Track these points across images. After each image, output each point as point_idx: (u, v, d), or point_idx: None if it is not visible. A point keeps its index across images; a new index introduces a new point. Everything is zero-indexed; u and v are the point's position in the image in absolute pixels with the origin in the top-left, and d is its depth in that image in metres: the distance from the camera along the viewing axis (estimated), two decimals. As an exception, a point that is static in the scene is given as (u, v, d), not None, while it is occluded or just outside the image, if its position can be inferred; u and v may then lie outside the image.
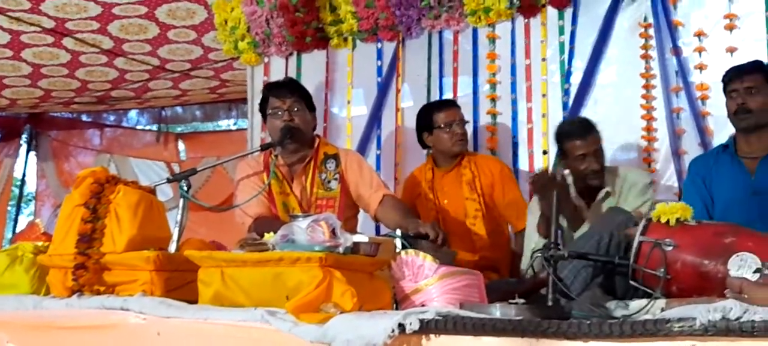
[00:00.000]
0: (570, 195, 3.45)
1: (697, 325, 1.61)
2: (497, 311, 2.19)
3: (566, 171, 3.36)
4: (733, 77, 3.34)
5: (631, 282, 2.62)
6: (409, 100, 4.82)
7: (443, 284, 2.45)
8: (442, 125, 3.99)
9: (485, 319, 1.93)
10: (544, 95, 4.41)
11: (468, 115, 4.52)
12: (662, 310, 2.32)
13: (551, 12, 4.46)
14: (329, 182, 3.64)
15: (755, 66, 3.36)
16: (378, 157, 4.77)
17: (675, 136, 4.08)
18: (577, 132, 3.56)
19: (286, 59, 5.13)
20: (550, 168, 4.16)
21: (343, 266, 2.27)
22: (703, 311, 1.62)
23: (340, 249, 2.33)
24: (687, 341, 1.66)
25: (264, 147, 3.72)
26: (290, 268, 2.27)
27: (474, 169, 3.98)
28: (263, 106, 3.76)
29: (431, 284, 2.44)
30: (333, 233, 2.36)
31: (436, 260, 2.51)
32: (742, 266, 2.45)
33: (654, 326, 1.68)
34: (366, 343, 1.93)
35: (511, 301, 2.32)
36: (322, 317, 2.10)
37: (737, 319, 1.58)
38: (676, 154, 4.05)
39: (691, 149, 4.02)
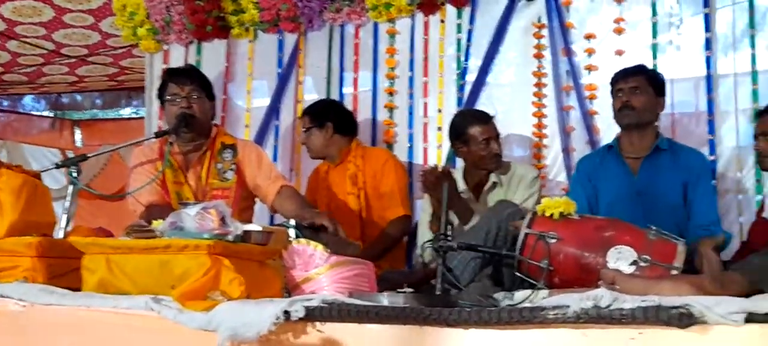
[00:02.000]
0: (458, 190, 3.53)
1: (570, 312, 1.67)
2: (385, 299, 2.22)
3: (456, 167, 3.43)
4: (619, 78, 3.51)
5: (517, 273, 2.70)
6: (311, 93, 4.82)
7: (333, 273, 2.46)
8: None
9: (369, 306, 1.95)
10: (440, 91, 4.50)
11: (367, 109, 4.58)
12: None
13: (450, 10, 4.55)
14: (225, 172, 3.60)
15: (639, 69, 3.54)
16: (276, 149, 4.76)
17: (564, 133, 4.23)
18: (480, 117, 3.70)
19: (186, 47, 5.06)
20: (444, 162, 4.26)
21: (232, 254, 2.26)
22: (576, 300, 1.69)
23: (230, 237, 2.32)
24: (561, 328, 1.72)
25: (158, 134, 3.65)
26: (178, 255, 2.24)
27: (359, 163, 4.00)
28: (162, 92, 3.69)
29: (322, 273, 2.46)
30: (222, 220, 2.34)
31: (327, 249, 2.53)
32: (620, 258, 2.56)
33: (530, 314, 1.73)
34: (251, 330, 1.93)
35: (399, 290, 2.37)
36: (208, 305, 2.08)
37: (607, 307, 1.65)
38: (566, 151, 4.20)
39: (580, 147, 4.17)
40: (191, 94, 3.58)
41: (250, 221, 3.50)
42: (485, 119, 3.65)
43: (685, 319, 1.58)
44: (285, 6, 4.71)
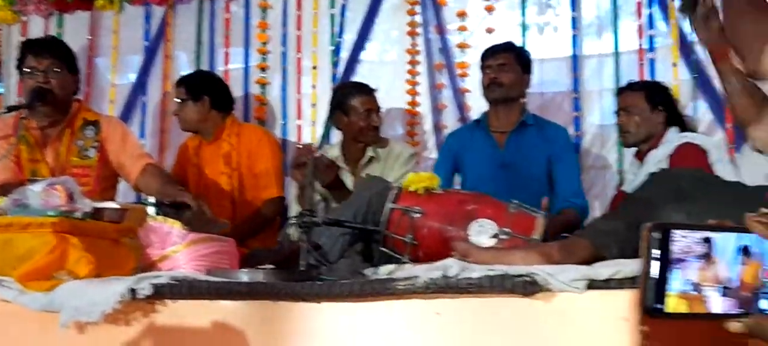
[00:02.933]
0: (334, 170, 3.49)
1: (420, 283, 1.67)
2: (244, 276, 2.17)
3: (331, 143, 3.39)
4: (488, 54, 3.57)
5: (383, 249, 2.70)
6: (182, 69, 4.67)
7: (191, 251, 2.40)
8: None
9: (220, 283, 1.90)
10: (314, 67, 4.45)
11: (238, 86, 4.48)
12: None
13: (324, -15, 4.50)
14: (87, 149, 3.44)
15: (507, 46, 3.60)
16: (143, 126, 4.60)
17: (437, 110, 4.27)
18: (363, 88, 3.71)
19: (46, 19, 4.81)
20: (319, 138, 4.22)
21: (80, 232, 2.15)
22: (425, 270, 1.69)
23: (78, 214, 2.21)
24: (412, 299, 1.72)
25: (10, 109, 3.45)
26: (21, 234, 2.12)
27: (234, 141, 3.89)
28: (20, 65, 3.49)
29: (179, 251, 2.39)
30: (70, 197, 2.23)
31: (187, 227, 2.46)
32: (481, 231, 2.59)
33: (380, 286, 1.73)
34: (95, 309, 1.84)
35: (260, 266, 2.32)
36: (51, 285, 1.98)
37: (455, 276, 1.66)
38: (437, 128, 4.24)
39: (451, 124, 4.22)
40: (50, 68, 3.40)
41: (113, 199, 3.36)
42: (368, 91, 3.67)
43: (528, 287, 1.60)
44: (151, -25, 4.55)
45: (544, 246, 2.09)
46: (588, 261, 1.86)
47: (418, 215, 2.64)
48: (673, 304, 0.86)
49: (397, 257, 2.61)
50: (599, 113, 4.14)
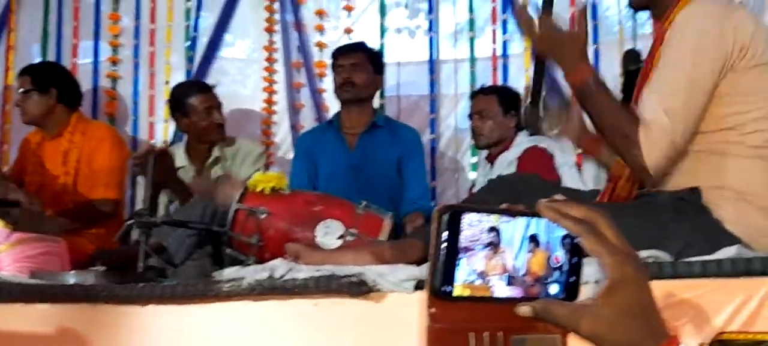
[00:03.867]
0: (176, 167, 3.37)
1: (245, 285, 1.62)
2: (71, 278, 2.05)
3: (167, 141, 3.28)
4: (340, 54, 3.54)
5: (228, 250, 2.62)
6: (27, 61, 4.40)
7: (16, 252, 2.26)
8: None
9: (36, 285, 1.78)
10: (167, 62, 4.30)
11: (87, 79, 4.26)
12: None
13: (179, -24, 4.35)
14: None
15: (359, 46, 3.58)
16: (-18, 118, 4.32)
17: (294, 110, 4.22)
18: (200, 86, 3.59)
19: None
20: (170, 138, 4.08)
21: None
22: (252, 272, 1.64)
23: None
24: (239, 301, 1.66)
25: None
26: None
27: (76, 139, 3.68)
28: None
29: (2, 252, 2.24)
30: None
31: (10, 225, 2.31)
32: (328, 232, 2.55)
33: (205, 288, 1.66)
34: None
35: (92, 268, 2.21)
36: None
37: (281, 277, 1.61)
38: (294, 127, 4.19)
39: (309, 124, 4.18)
40: None
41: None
42: (205, 88, 3.54)
43: (356, 287, 1.58)
44: (-6, -38, 4.28)
45: (377, 246, 2.08)
46: (420, 262, 1.86)
47: (264, 216, 2.58)
48: (459, 290, 0.84)
49: (243, 258, 2.55)
50: (455, 116, 4.19)
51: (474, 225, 0.86)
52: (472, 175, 4.08)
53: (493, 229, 0.86)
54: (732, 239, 1.84)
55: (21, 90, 3.67)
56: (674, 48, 1.88)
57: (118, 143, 3.72)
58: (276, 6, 4.28)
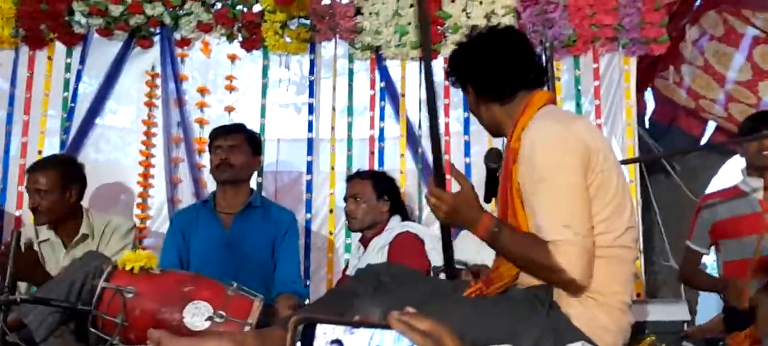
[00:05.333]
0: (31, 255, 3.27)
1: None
2: None
3: (21, 231, 3.16)
4: (218, 134, 3.55)
5: (92, 329, 2.58)
6: None
7: None
8: None
9: None
10: (42, 132, 4.23)
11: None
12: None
13: (59, 47, 4.33)
14: None
15: (238, 127, 3.62)
16: None
17: (172, 185, 4.20)
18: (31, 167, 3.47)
19: None
20: None
21: None
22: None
23: None
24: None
25: None
26: None
27: None
28: None
29: None
30: None
31: None
32: (196, 313, 2.56)
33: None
34: None
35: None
36: None
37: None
38: (172, 202, 4.18)
39: (186, 199, 4.18)
40: None
41: None
42: (32, 169, 3.44)
43: (213, 378, 1.60)
44: None
45: (241, 334, 2.11)
46: (285, 350, 1.90)
47: (130, 295, 2.57)
48: None
49: (106, 338, 2.52)
50: (330, 196, 4.28)
51: (320, 337, 0.93)
52: (346, 255, 4.15)
53: (336, 341, 0.93)
54: (578, 336, 1.97)
55: None
56: (540, 168, 2.02)
57: None
58: (157, 81, 4.29)
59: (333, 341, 0.92)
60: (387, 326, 0.95)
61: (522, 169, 2.07)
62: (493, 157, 2.79)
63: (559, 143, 2.03)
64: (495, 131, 2.33)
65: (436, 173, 2.43)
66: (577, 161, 2.01)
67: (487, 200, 2.53)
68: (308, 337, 0.92)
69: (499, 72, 2.20)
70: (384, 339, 0.95)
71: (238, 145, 3.50)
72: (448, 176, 2.68)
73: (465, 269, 2.80)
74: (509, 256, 2.11)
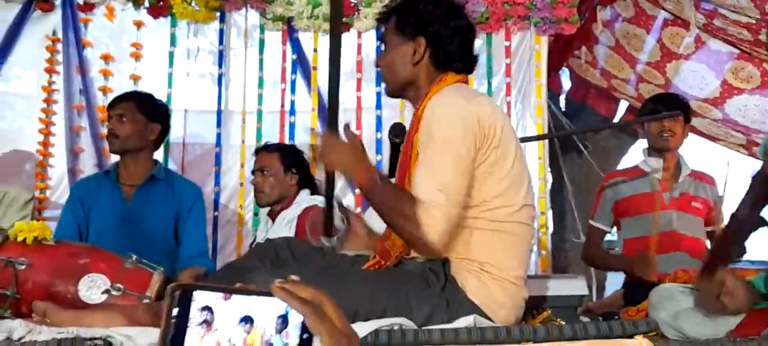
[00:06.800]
0: None
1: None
2: None
3: None
4: (109, 105, 3.39)
5: (-19, 302, 2.47)
6: None
7: None
8: None
9: None
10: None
11: None
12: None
13: (-46, 9, 4.10)
14: None
15: (128, 95, 3.43)
16: None
17: (73, 154, 4.06)
18: None
19: None
20: None
21: None
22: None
23: None
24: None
25: None
26: None
27: None
28: None
29: None
30: None
31: None
32: (92, 286, 2.48)
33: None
34: None
35: None
36: None
37: (20, 340, 1.56)
38: (72, 172, 4.04)
39: (88, 169, 4.05)
40: None
41: None
42: None
43: (96, 351, 1.55)
44: None
45: (132, 308, 2.05)
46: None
47: (23, 267, 2.47)
48: None
49: (-2, 311, 2.42)
50: (240, 169, 4.21)
51: (194, 303, 0.90)
52: (254, 230, 4.09)
53: (206, 308, 0.91)
54: (473, 309, 1.99)
55: None
56: (433, 133, 2.04)
57: None
58: (59, 46, 4.13)
59: (203, 308, 0.90)
60: (268, 294, 0.93)
61: (420, 137, 2.08)
62: (396, 131, 2.79)
63: (455, 114, 2.05)
64: (399, 91, 2.30)
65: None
66: (469, 135, 2.04)
67: (391, 175, 2.52)
68: (185, 304, 0.89)
69: (464, 43, 2.23)
70: (255, 307, 0.93)
71: (124, 113, 3.31)
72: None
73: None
74: (380, 208, 2.10)
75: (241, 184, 4.19)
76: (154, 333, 1.65)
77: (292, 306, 0.92)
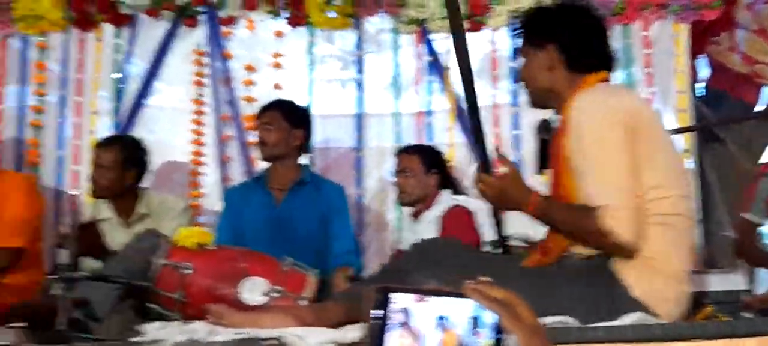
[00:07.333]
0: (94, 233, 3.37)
1: (166, 346, 1.65)
2: (-9, 336, 2.05)
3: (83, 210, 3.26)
4: (258, 114, 3.57)
5: (151, 305, 2.63)
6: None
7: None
8: None
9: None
10: (94, 112, 4.29)
11: (13, 127, 4.24)
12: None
13: (108, 29, 4.37)
14: None
15: (273, 104, 3.59)
16: None
17: (222, 163, 4.24)
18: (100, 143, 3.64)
19: None
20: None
21: None
22: (174, 333, 1.67)
23: None
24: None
25: None
26: None
27: None
28: None
29: None
30: None
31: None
32: (253, 289, 2.59)
33: (126, 348, 1.69)
34: None
35: (10, 325, 2.20)
36: None
37: (202, 340, 1.65)
38: (223, 180, 4.21)
39: (237, 177, 4.21)
40: None
41: None
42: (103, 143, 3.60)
43: (275, 351, 1.63)
44: None
45: (299, 308, 2.13)
46: (341, 324, 1.92)
47: (188, 272, 2.61)
48: None
49: (165, 313, 2.57)
50: (380, 171, 4.29)
51: (392, 305, 0.94)
52: (397, 230, 4.16)
53: (403, 309, 0.94)
54: (636, 305, 1.96)
55: None
56: (585, 138, 2.03)
57: (31, 193, 3.63)
58: (205, 60, 4.32)
59: (401, 309, 0.93)
60: (460, 295, 0.95)
61: (570, 141, 2.07)
62: (544, 128, 2.77)
63: (604, 114, 2.05)
64: (542, 101, 2.33)
65: (480, 159, 2.44)
66: (622, 131, 2.02)
67: (539, 172, 2.52)
68: (384, 307, 0.93)
69: (595, 42, 2.24)
70: (450, 308, 0.96)
71: (270, 121, 3.49)
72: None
73: (523, 244, 2.79)
74: (560, 228, 2.13)
75: (382, 185, 4.25)
76: (322, 333, 1.71)
77: (486, 307, 0.95)
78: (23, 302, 3.28)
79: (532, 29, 2.31)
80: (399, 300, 0.93)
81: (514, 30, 2.39)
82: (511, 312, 0.95)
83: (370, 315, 0.92)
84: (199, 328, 1.69)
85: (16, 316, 2.57)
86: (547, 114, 2.42)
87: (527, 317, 0.96)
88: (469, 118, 2.47)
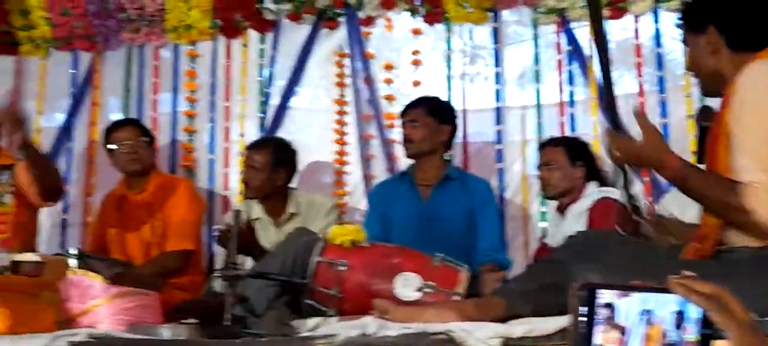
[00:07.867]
0: (250, 232, 3.49)
1: (339, 341, 1.70)
2: (166, 331, 2.17)
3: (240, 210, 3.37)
4: (402, 112, 3.63)
5: (308, 301, 2.71)
6: (110, 115, 4.62)
7: (113, 305, 2.37)
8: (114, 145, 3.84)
9: (137, 340, 1.89)
10: (242, 116, 4.46)
11: (166, 133, 4.45)
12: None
13: (253, 35, 4.52)
14: (2, 195, 3.35)
15: (418, 102, 3.65)
16: (68, 171, 4.51)
17: (365, 161, 4.31)
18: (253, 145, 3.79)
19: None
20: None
21: (-4, 287, 2.12)
22: (344, 328, 1.72)
23: (-6, 268, 2.18)
24: (332, 356, 1.74)
25: None
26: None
27: (157, 193, 3.82)
28: None
29: (100, 305, 2.36)
30: (-14, 251, 2.20)
31: (107, 279, 2.43)
32: (406, 284, 2.63)
33: (301, 342, 1.74)
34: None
35: (183, 321, 2.31)
36: (-36, 343, 1.94)
37: (373, 334, 1.69)
38: (366, 178, 4.28)
39: (380, 174, 4.27)
40: None
41: (33, 247, 3.30)
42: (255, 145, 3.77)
43: (445, 344, 1.64)
44: (79, 24, 4.50)
45: (461, 302, 2.15)
46: (502, 319, 1.92)
47: (343, 268, 2.68)
48: None
49: (323, 309, 2.64)
50: (522, 164, 4.25)
51: (598, 300, 0.94)
52: (541, 223, 4.12)
53: (608, 305, 0.94)
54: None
55: (144, 140, 3.83)
56: (744, 111, 1.94)
57: (194, 197, 3.86)
58: (346, 61, 4.41)
59: (606, 305, 0.93)
60: (664, 290, 0.94)
61: (731, 113, 1.99)
62: (705, 114, 2.67)
63: (764, 87, 1.95)
64: (711, 87, 2.23)
65: (611, 120, 2.35)
66: None
67: (700, 161, 2.43)
68: (590, 302, 0.94)
69: (755, 15, 2.12)
70: (653, 302, 0.95)
71: (416, 118, 3.55)
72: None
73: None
74: (698, 198, 2.05)
75: (525, 179, 4.22)
76: (489, 328, 1.71)
77: (695, 302, 0.93)
78: (192, 299, 3.47)
79: (690, 14, 2.24)
80: (604, 296, 0.93)
81: (678, 20, 2.31)
82: (724, 308, 0.93)
83: (578, 312, 0.93)
84: (368, 323, 1.73)
85: (187, 312, 2.69)
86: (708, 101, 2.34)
87: (740, 312, 0.93)
88: (603, 83, 2.38)
